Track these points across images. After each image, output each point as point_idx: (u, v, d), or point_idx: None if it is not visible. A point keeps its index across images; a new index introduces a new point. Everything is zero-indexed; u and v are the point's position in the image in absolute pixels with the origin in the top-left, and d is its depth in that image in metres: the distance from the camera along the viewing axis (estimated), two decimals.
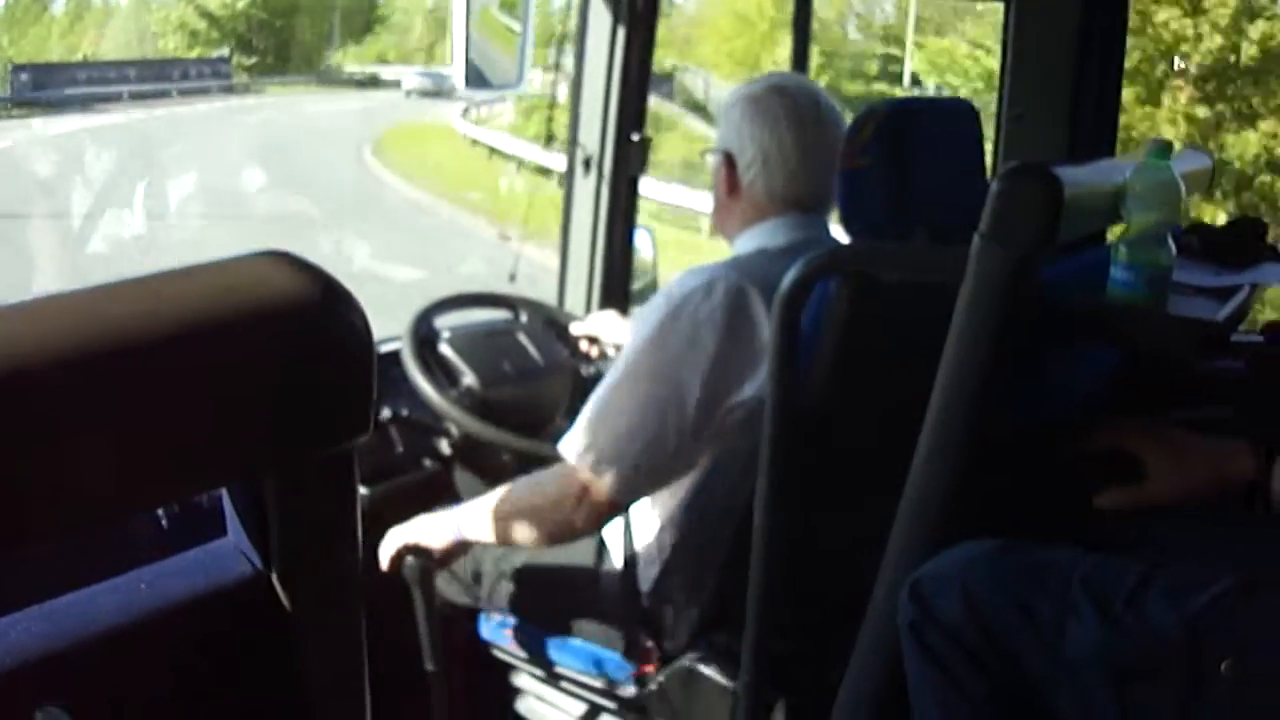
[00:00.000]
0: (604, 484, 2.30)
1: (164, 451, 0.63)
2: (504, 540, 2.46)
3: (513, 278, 3.72)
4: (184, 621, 0.92)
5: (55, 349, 0.60)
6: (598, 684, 2.54)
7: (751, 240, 2.48)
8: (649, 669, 2.46)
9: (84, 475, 0.60)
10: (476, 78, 3.48)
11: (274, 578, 0.73)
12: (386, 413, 2.98)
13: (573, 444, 2.35)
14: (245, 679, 0.82)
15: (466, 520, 2.48)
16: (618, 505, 2.35)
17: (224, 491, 0.96)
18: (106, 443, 0.60)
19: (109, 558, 0.90)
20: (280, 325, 0.65)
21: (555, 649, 2.60)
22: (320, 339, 0.67)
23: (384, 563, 2.50)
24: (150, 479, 0.63)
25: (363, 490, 2.85)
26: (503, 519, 2.42)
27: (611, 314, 3.33)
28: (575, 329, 3.31)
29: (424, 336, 3.03)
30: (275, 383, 0.65)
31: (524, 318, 3.34)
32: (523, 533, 2.42)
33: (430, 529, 2.52)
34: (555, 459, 2.43)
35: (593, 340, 3.28)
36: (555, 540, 2.41)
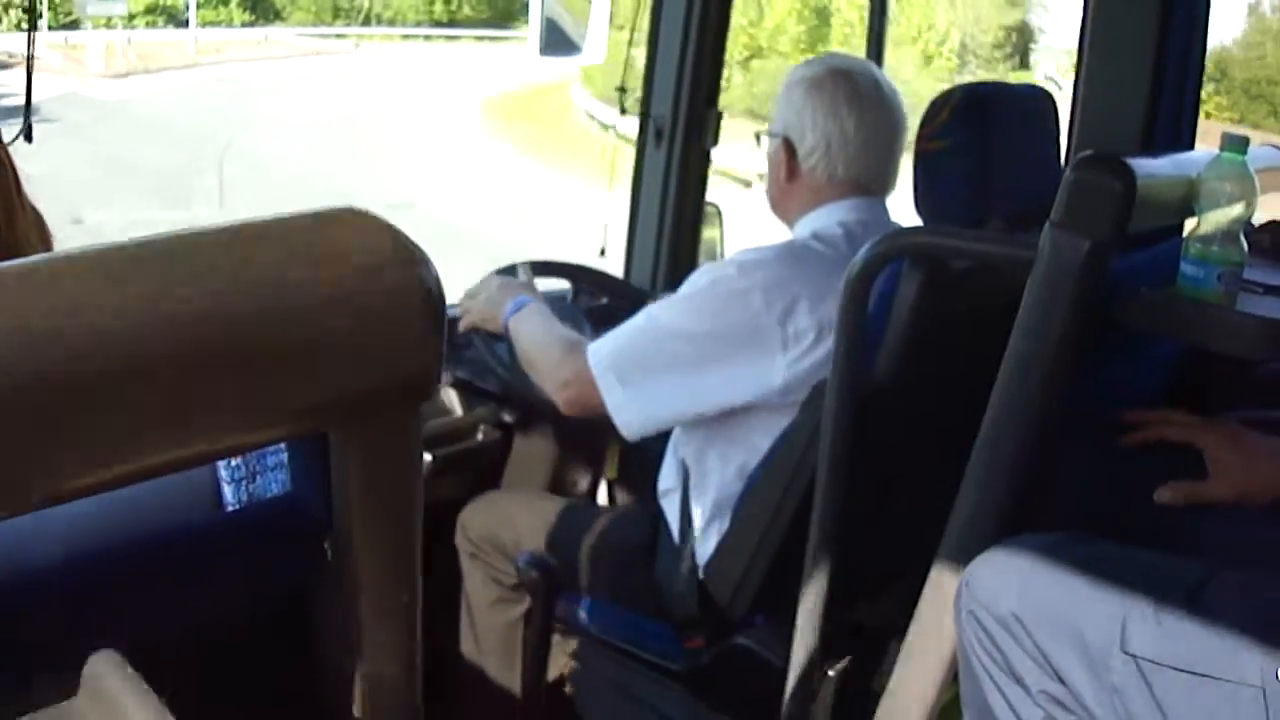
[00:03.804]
0: (602, 397, 2.42)
1: (229, 402, 0.64)
2: (519, 356, 2.67)
3: (603, 252, 3.68)
4: (244, 572, 0.93)
5: (123, 296, 0.61)
6: (648, 656, 2.55)
7: (811, 224, 2.48)
8: (700, 643, 2.47)
9: (148, 425, 0.61)
10: (554, 44, 3.46)
11: (333, 534, 0.74)
12: (449, 377, 2.99)
13: (599, 350, 2.45)
14: (301, 631, 0.83)
15: (518, 320, 2.68)
16: (598, 415, 2.46)
17: (287, 447, 0.97)
18: (171, 392, 0.61)
19: (174, 505, 0.91)
20: (351, 280, 0.66)
21: (607, 619, 2.61)
22: (391, 296, 0.67)
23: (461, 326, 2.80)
24: (215, 430, 0.64)
25: (425, 456, 2.87)
26: (528, 344, 2.63)
27: None
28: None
29: None
30: (344, 337, 0.66)
31: (593, 289, 3.33)
32: (529, 367, 2.63)
33: (499, 303, 2.75)
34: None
35: None
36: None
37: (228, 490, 1.01)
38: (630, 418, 2.41)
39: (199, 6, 37.19)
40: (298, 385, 0.65)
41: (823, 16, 25.45)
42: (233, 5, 38.44)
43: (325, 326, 0.65)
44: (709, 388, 2.35)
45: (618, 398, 2.40)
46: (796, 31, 24.43)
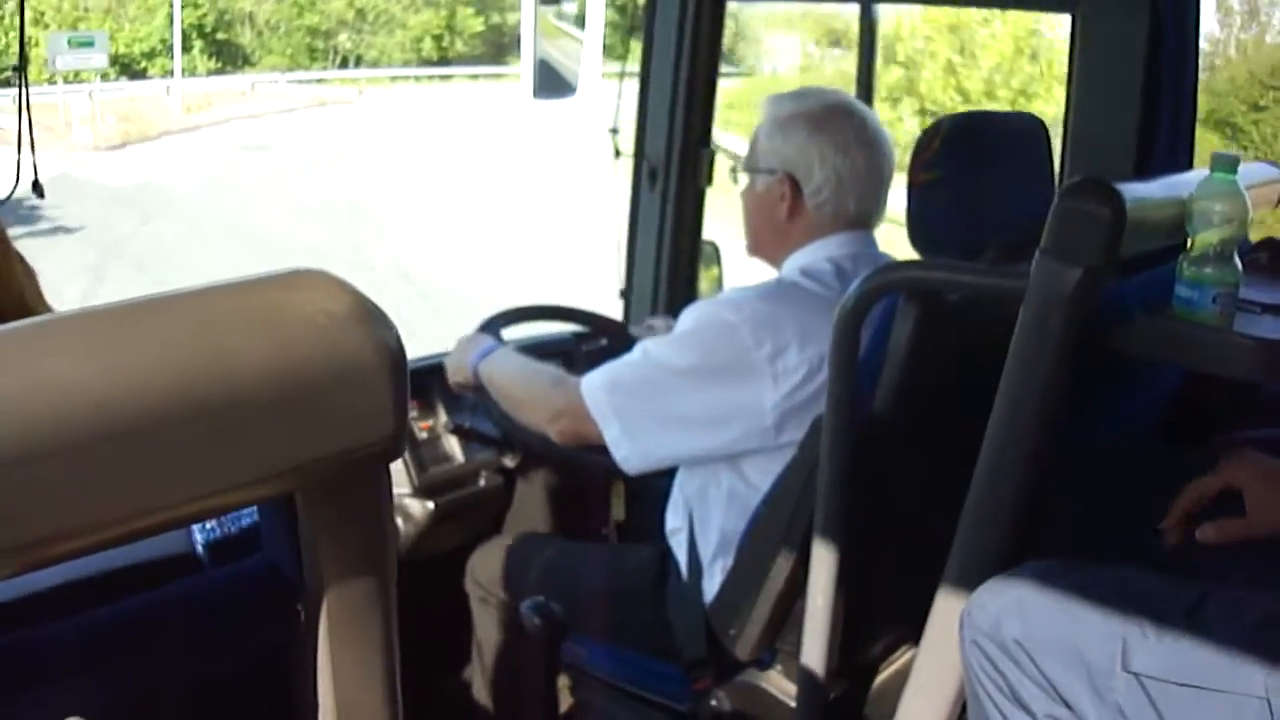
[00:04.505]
0: (598, 429, 2.43)
1: (191, 469, 0.63)
2: (499, 397, 2.67)
3: (622, 294, 3.67)
4: (217, 636, 0.92)
5: (82, 364, 0.61)
6: (656, 698, 2.54)
7: (800, 260, 2.48)
8: (708, 683, 2.45)
9: (116, 489, 0.61)
10: (548, 85, 3.46)
11: (306, 595, 0.73)
12: (449, 424, 2.99)
13: (594, 384, 2.45)
14: (279, 693, 0.82)
15: (489, 364, 2.69)
16: (589, 442, 2.48)
17: (259, 510, 0.96)
18: (132, 460, 0.61)
19: (146, 573, 0.91)
20: (311, 343, 0.66)
21: (615, 662, 2.60)
22: (351, 356, 0.67)
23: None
24: (177, 497, 0.64)
25: (427, 504, 2.87)
26: (507, 382, 2.65)
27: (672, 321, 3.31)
28: (634, 332, 3.28)
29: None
30: (305, 400, 0.66)
31: (593, 331, 3.33)
32: (511, 408, 2.65)
33: (464, 355, 2.76)
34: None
35: None
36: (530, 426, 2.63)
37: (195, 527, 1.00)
38: (628, 452, 2.41)
39: (153, 55, 33.61)
40: (260, 449, 0.65)
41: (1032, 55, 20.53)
42: (195, 52, 35.04)
43: (286, 389, 0.65)
44: (702, 422, 2.35)
45: (615, 431, 2.40)
46: (1029, 73, 19.84)
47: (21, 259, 1.50)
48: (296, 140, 25.75)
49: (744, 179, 2.58)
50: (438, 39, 37.70)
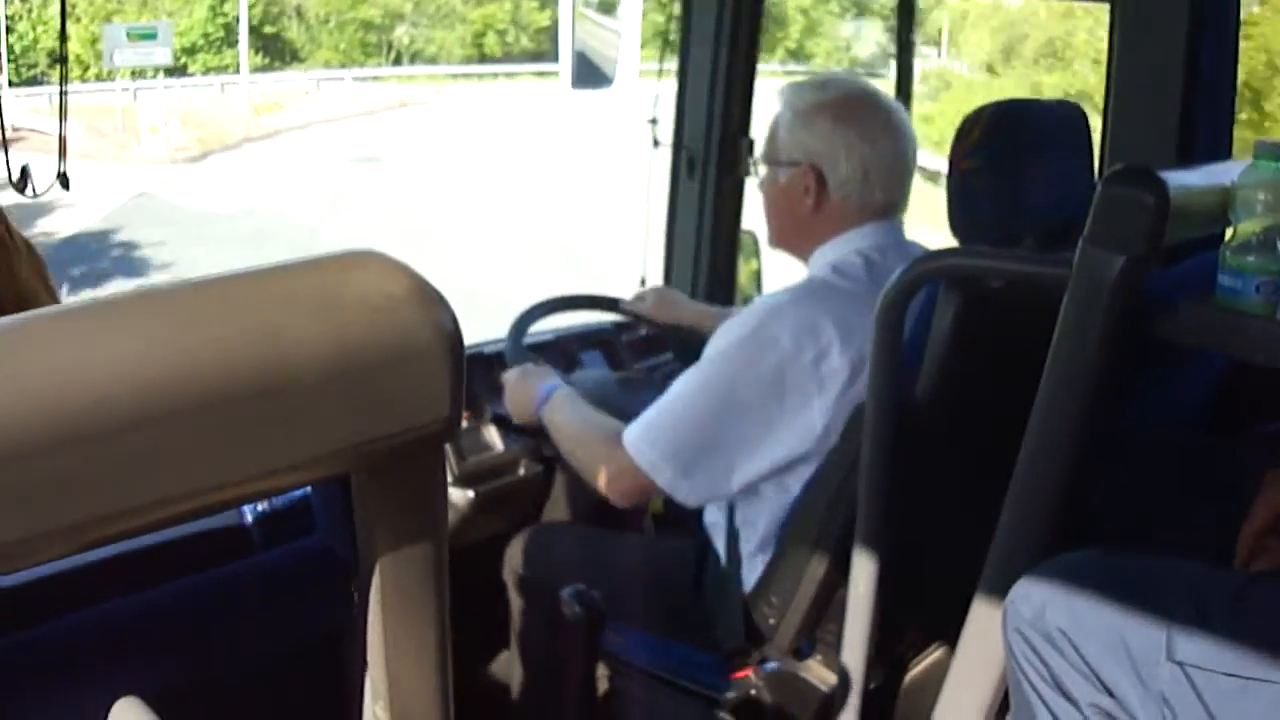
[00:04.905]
0: (652, 482, 2.38)
1: (247, 450, 0.64)
2: (561, 450, 2.64)
3: (643, 281, 3.66)
4: (271, 615, 0.93)
5: (143, 343, 0.61)
6: (695, 687, 2.53)
7: (828, 255, 2.45)
8: (747, 672, 2.46)
9: (166, 474, 0.61)
10: (585, 76, 3.45)
11: (358, 576, 0.74)
12: (489, 413, 2.99)
13: (636, 436, 2.40)
14: (332, 673, 0.83)
15: (550, 411, 2.64)
16: (651, 494, 2.47)
17: (312, 490, 0.97)
18: (192, 437, 0.61)
19: (199, 554, 0.92)
20: (368, 324, 0.66)
21: (653, 651, 2.60)
22: (408, 338, 0.67)
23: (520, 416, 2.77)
24: (233, 477, 0.64)
25: (467, 492, 2.87)
26: (566, 439, 2.60)
27: (663, 291, 3.27)
28: (625, 306, 3.24)
29: (529, 338, 3.03)
30: (361, 381, 0.66)
31: (628, 319, 3.32)
32: (573, 463, 2.60)
33: (527, 396, 2.71)
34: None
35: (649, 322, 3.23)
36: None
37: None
38: (686, 492, 2.38)
39: (194, 51, 30.71)
40: (316, 430, 0.65)
41: None
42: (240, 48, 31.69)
43: (342, 371, 0.65)
44: (755, 440, 2.32)
45: (667, 476, 2.36)
46: None
47: (30, 247, 1.48)
48: (406, 149, 22.98)
49: (763, 171, 2.55)
50: (501, 34, 36.35)
